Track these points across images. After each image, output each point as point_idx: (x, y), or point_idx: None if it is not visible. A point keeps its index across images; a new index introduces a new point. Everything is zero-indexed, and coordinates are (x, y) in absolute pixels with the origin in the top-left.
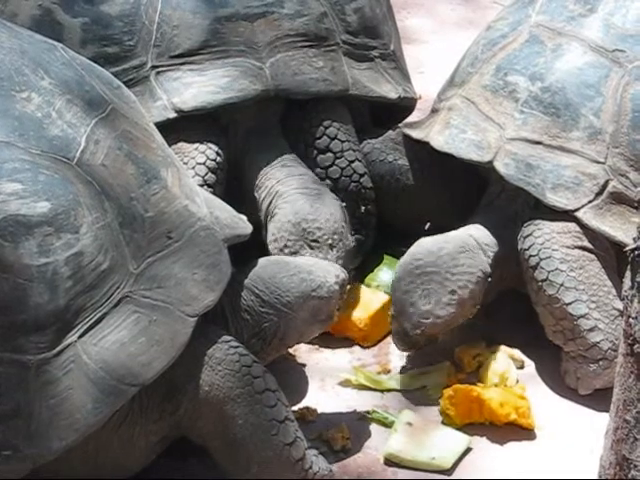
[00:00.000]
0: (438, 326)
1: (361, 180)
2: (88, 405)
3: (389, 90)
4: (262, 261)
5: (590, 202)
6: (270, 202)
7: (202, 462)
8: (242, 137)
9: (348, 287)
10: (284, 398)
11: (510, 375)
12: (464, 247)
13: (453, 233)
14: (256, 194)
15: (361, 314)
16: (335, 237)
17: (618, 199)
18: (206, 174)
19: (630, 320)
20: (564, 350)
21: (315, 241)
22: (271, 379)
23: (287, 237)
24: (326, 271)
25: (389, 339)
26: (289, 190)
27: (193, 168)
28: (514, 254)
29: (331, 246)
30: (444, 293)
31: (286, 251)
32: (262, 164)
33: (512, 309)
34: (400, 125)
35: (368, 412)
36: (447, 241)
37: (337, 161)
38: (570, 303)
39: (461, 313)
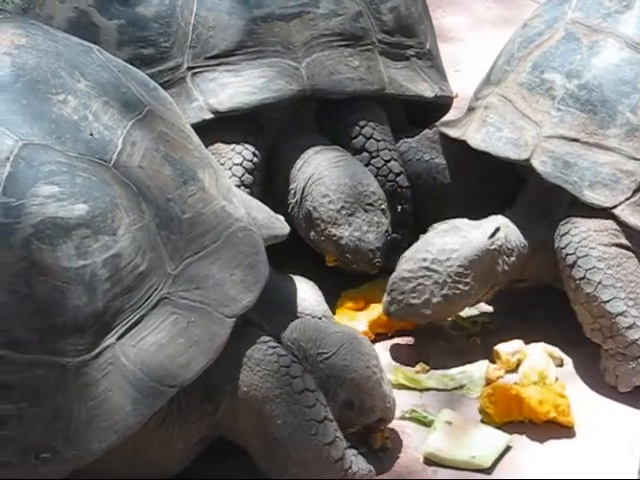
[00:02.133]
0: (419, 319)
1: (397, 179)
2: (127, 407)
3: (425, 89)
4: (351, 332)
5: (628, 199)
6: (311, 175)
7: (241, 463)
8: (278, 136)
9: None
10: (323, 398)
11: (549, 373)
12: (479, 255)
13: (477, 234)
14: (291, 186)
15: None
16: (386, 204)
17: None
18: (243, 175)
19: None
20: (603, 348)
21: (370, 205)
22: (310, 379)
23: (344, 199)
24: (389, 397)
25: (427, 339)
26: (336, 157)
27: (230, 169)
28: (545, 251)
29: (384, 211)
30: (436, 295)
31: (343, 212)
32: (298, 160)
33: (550, 307)
34: (437, 124)
35: (407, 411)
36: (465, 243)
37: (373, 160)
38: (608, 301)
39: (449, 314)
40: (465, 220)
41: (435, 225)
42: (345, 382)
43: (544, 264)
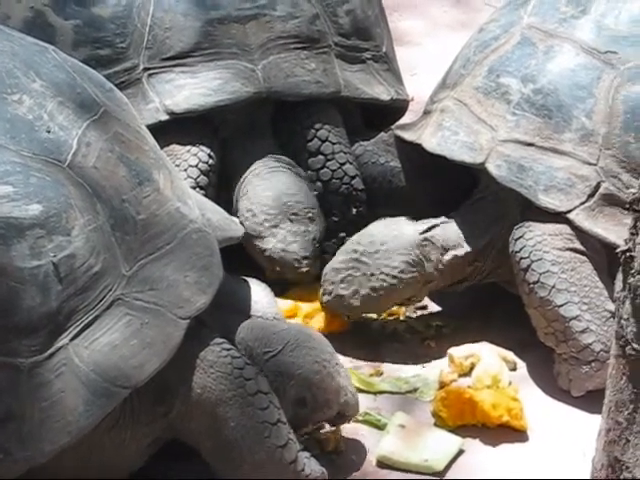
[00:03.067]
0: (350, 310)
1: (352, 182)
2: (80, 407)
3: (381, 92)
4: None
5: (582, 204)
6: (242, 183)
7: (194, 464)
8: (233, 138)
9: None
10: (276, 400)
11: (502, 377)
12: (407, 250)
13: (410, 229)
14: (236, 190)
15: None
16: (314, 211)
17: (610, 201)
18: (198, 176)
19: (622, 322)
20: (556, 352)
21: (295, 214)
22: (263, 381)
23: (267, 211)
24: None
25: (381, 342)
26: (264, 169)
27: (185, 170)
28: (494, 252)
29: (311, 219)
30: (364, 287)
31: (266, 225)
32: (248, 164)
33: (504, 311)
34: (392, 127)
35: (361, 414)
36: (396, 236)
37: (328, 163)
38: (562, 305)
39: (381, 306)
40: (405, 218)
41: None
42: (293, 378)
43: (492, 264)
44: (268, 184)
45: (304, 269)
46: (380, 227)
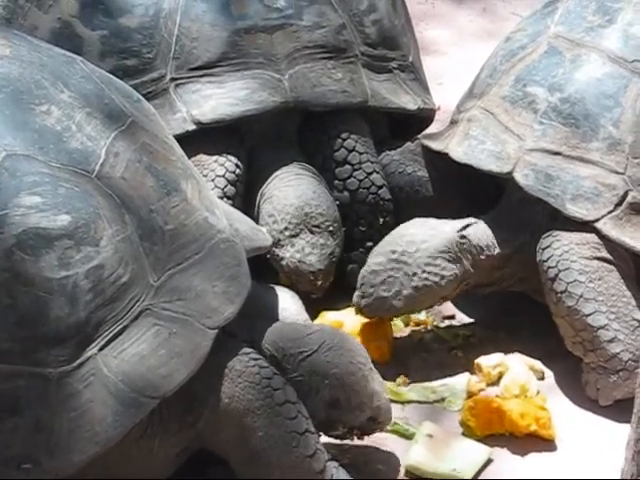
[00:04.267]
0: (391, 312)
1: (379, 192)
2: (108, 418)
3: (408, 101)
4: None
5: (610, 213)
6: (266, 187)
7: (222, 474)
8: (260, 148)
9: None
10: (304, 410)
11: (530, 386)
12: (448, 247)
13: (447, 227)
14: (259, 194)
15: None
16: (335, 225)
17: (638, 209)
18: (225, 186)
19: None
20: (584, 361)
21: (317, 227)
22: (291, 391)
23: (288, 220)
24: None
25: (409, 351)
26: (290, 175)
27: (212, 180)
28: (521, 258)
29: (332, 233)
30: (407, 287)
31: (286, 233)
32: (273, 172)
33: (532, 320)
34: (419, 136)
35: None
36: (434, 235)
37: (355, 173)
38: (589, 314)
39: (420, 306)
40: (433, 219)
41: (401, 225)
42: (328, 378)
43: (519, 273)
44: (292, 191)
45: (318, 282)
46: (414, 227)
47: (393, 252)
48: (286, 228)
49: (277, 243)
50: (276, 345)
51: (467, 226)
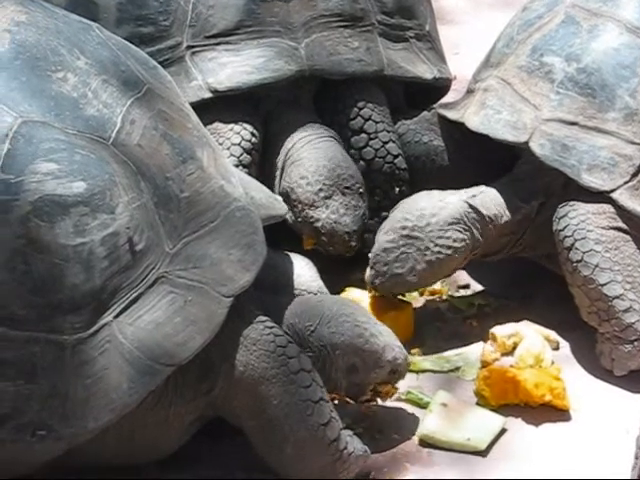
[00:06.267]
0: (406, 288)
1: (395, 161)
2: (124, 385)
3: (424, 71)
4: (332, 298)
5: (626, 183)
6: (291, 148)
7: (236, 443)
8: (276, 116)
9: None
10: (319, 378)
11: (545, 356)
12: (458, 218)
13: (454, 198)
14: (277, 160)
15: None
16: (363, 187)
17: None
18: (241, 154)
19: None
20: (599, 331)
21: (348, 188)
22: (306, 360)
23: (323, 181)
24: (391, 346)
25: (423, 321)
26: (317, 138)
27: (228, 149)
28: (531, 227)
29: (361, 195)
30: (421, 262)
31: (321, 195)
32: (291, 136)
33: (547, 290)
34: (435, 106)
35: (403, 393)
36: (443, 207)
37: (371, 142)
38: (605, 284)
39: (433, 279)
40: (436, 191)
41: (406, 199)
42: (338, 347)
43: (529, 239)
44: (322, 153)
45: (352, 243)
46: (422, 200)
47: (404, 228)
48: (320, 189)
49: (311, 205)
50: (287, 322)
51: (474, 196)
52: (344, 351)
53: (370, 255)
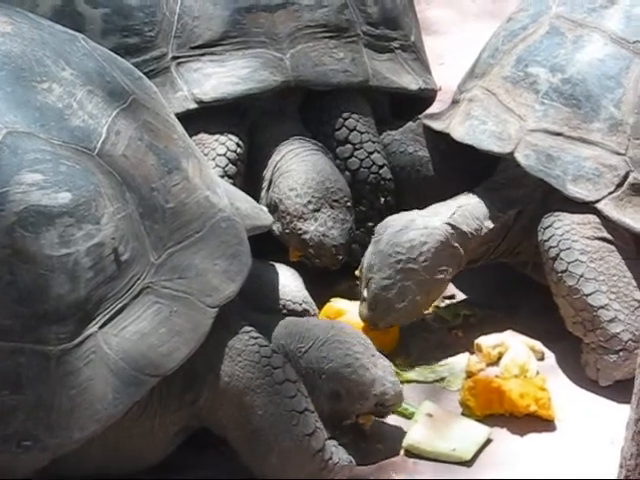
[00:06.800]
0: (407, 319)
1: (380, 172)
2: (109, 395)
3: (409, 81)
4: (331, 323)
5: (611, 193)
6: (280, 160)
7: (221, 453)
8: (261, 127)
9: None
10: (304, 389)
11: (530, 366)
12: (444, 242)
13: (437, 222)
14: (264, 171)
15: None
16: (351, 201)
17: (638, 190)
18: (226, 165)
19: None
20: (584, 341)
21: (337, 201)
22: (291, 370)
23: (312, 193)
24: (381, 380)
25: (409, 331)
26: (305, 150)
27: (213, 159)
28: (510, 235)
29: (349, 208)
30: (420, 292)
31: (309, 207)
32: (279, 148)
33: (532, 300)
34: (420, 116)
35: None
36: (430, 234)
37: (356, 152)
38: (590, 294)
39: (430, 303)
40: (415, 211)
41: (386, 222)
42: (323, 372)
43: (507, 246)
44: (312, 166)
45: (340, 256)
46: (403, 230)
47: (398, 262)
48: (309, 202)
49: (300, 217)
50: (277, 342)
51: (453, 214)
52: (329, 378)
53: (365, 296)
